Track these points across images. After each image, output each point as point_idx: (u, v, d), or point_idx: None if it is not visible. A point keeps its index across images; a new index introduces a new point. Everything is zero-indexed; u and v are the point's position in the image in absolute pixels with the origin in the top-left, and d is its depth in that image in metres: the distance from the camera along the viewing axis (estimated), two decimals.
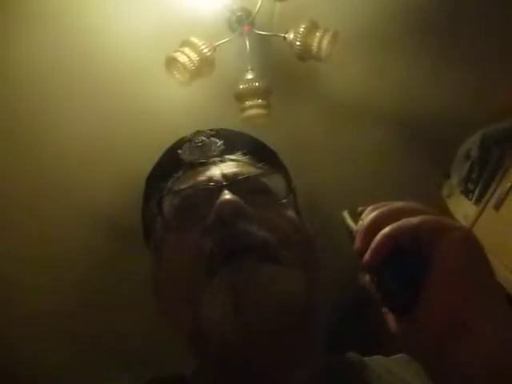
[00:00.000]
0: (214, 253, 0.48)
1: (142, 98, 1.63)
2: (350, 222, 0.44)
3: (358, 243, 0.40)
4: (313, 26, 1.37)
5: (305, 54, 1.40)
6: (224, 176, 0.55)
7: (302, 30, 1.36)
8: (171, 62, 1.35)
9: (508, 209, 1.48)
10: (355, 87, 1.71)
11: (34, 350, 2.07)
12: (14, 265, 1.86)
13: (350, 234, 0.43)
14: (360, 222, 0.42)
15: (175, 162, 0.60)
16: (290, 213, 0.56)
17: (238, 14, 1.43)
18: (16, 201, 1.76)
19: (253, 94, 1.44)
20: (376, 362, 0.56)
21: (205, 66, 1.36)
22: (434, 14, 1.53)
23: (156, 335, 1.45)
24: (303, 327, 0.50)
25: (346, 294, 1.76)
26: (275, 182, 0.58)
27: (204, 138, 0.61)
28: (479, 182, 1.63)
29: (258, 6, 1.38)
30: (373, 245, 0.38)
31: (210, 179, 0.55)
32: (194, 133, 0.63)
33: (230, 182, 0.54)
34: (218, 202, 0.50)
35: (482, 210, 1.58)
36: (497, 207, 1.51)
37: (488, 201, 1.57)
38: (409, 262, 0.38)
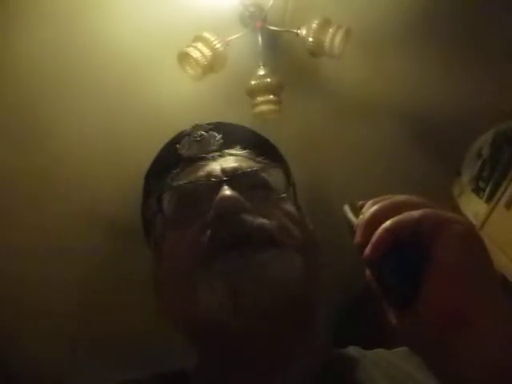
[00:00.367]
0: (211, 244, 0.49)
1: (152, 94, 1.63)
2: (350, 215, 0.44)
3: (358, 237, 0.40)
4: (326, 23, 1.37)
5: (317, 51, 1.39)
6: (223, 171, 0.55)
7: (314, 26, 1.36)
8: (184, 57, 1.36)
9: None
10: (366, 85, 1.70)
11: (33, 350, 2.09)
12: (14, 264, 1.87)
13: (351, 228, 0.43)
14: (361, 216, 0.41)
15: (174, 157, 0.60)
16: (289, 207, 0.56)
17: (251, 9, 1.43)
18: (16, 200, 1.77)
19: (264, 89, 1.44)
20: (378, 355, 0.56)
21: (217, 61, 1.37)
22: (446, 12, 1.52)
23: (156, 335, 1.46)
24: (301, 314, 0.51)
25: (350, 288, 1.76)
26: (275, 177, 0.58)
27: (203, 133, 0.60)
28: (490, 181, 1.62)
29: (271, 1, 1.39)
30: (373, 239, 0.38)
31: (210, 175, 0.55)
32: (193, 127, 0.62)
33: (230, 177, 0.53)
34: (218, 197, 0.50)
35: (493, 208, 1.57)
36: (508, 206, 1.50)
37: (499, 199, 1.56)
38: (410, 255, 0.37)
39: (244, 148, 0.60)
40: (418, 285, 0.37)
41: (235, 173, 0.55)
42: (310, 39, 1.37)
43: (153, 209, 0.58)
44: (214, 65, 1.37)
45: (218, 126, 0.62)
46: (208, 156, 0.58)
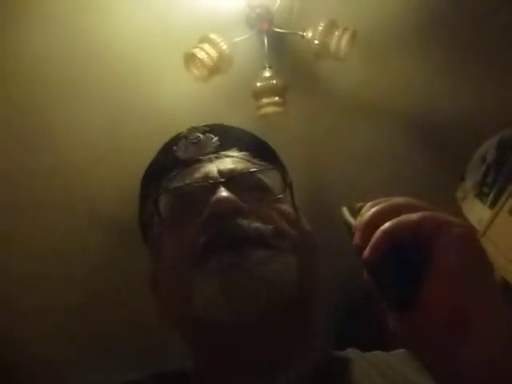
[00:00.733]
0: (206, 244, 0.50)
1: (156, 95, 1.63)
2: (349, 217, 0.44)
3: (357, 239, 0.40)
4: (332, 25, 1.37)
5: (323, 53, 1.40)
6: (220, 173, 0.55)
7: (320, 28, 1.37)
8: (190, 58, 1.37)
9: None
10: (370, 87, 1.70)
11: (33, 350, 2.09)
12: (15, 264, 1.88)
13: (350, 230, 0.43)
14: (359, 218, 0.41)
15: (171, 159, 0.60)
16: (286, 208, 0.56)
17: (257, 11, 1.43)
18: (17, 199, 1.77)
19: (269, 91, 1.44)
20: (377, 357, 0.56)
21: (223, 62, 1.37)
22: (450, 14, 1.52)
23: (156, 335, 1.46)
24: (298, 314, 0.51)
25: (350, 290, 1.75)
26: (271, 178, 0.58)
27: (199, 135, 0.61)
28: (494, 186, 1.62)
29: (277, 3, 1.39)
30: (372, 241, 0.38)
31: (206, 176, 0.55)
32: (189, 129, 0.62)
33: (226, 178, 0.54)
34: (214, 199, 0.50)
35: (497, 214, 1.57)
36: (511, 212, 1.50)
37: (503, 205, 1.55)
38: (409, 258, 0.37)
39: (241, 150, 0.60)
40: (417, 287, 0.37)
41: (232, 174, 0.55)
42: (316, 41, 1.38)
43: (150, 211, 0.58)
44: (219, 66, 1.37)
45: (214, 128, 0.62)
46: (204, 158, 0.58)
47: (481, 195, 1.68)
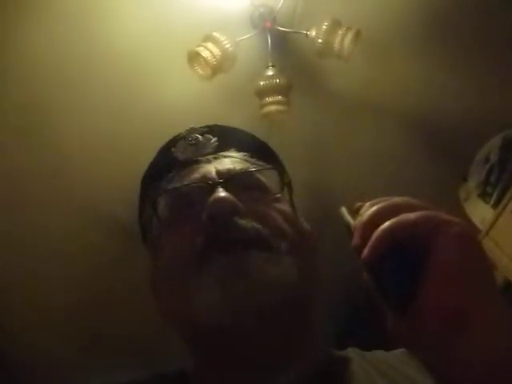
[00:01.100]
0: (205, 245, 0.50)
1: (160, 94, 1.63)
2: (348, 217, 0.44)
3: (356, 239, 0.40)
4: (335, 24, 1.37)
5: (326, 52, 1.40)
6: (218, 173, 0.55)
7: (324, 27, 1.37)
8: (194, 57, 1.37)
9: None
10: (373, 86, 1.70)
11: (34, 350, 2.09)
12: (15, 263, 1.88)
13: (349, 230, 0.43)
14: (358, 218, 0.41)
15: (169, 160, 0.60)
16: (284, 207, 0.56)
17: (261, 10, 1.43)
18: (17, 199, 1.77)
19: (273, 90, 1.44)
20: (377, 356, 0.56)
21: (226, 61, 1.37)
22: (453, 14, 1.52)
23: (156, 335, 1.46)
24: (298, 315, 0.51)
25: (351, 290, 1.76)
26: (269, 178, 0.58)
27: (198, 136, 0.60)
28: (498, 186, 1.61)
29: (281, 2, 1.39)
30: (371, 240, 0.38)
31: (204, 177, 0.55)
32: (188, 130, 0.62)
33: (224, 179, 0.54)
34: (212, 199, 0.50)
35: (500, 213, 1.56)
36: None
37: (506, 205, 1.55)
38: (407, 257, 0.37)
39: (239, 150, 0.60)
40: (416, 286, 0.37)
41: (230, 174, 0.55)
42: (320, 40, 1.37)
43: (149, 212, 0.58)
44: (223, 65, 1.37)
45: (213, 129, 0.62)
46: (203, 159, 0.58)
47: (484, 195, 1.68)
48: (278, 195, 0.57)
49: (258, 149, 0.62)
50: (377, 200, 0.41)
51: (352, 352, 0.57)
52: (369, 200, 0.42)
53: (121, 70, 1.56)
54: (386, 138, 1.83)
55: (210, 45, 1.34)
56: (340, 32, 1.35)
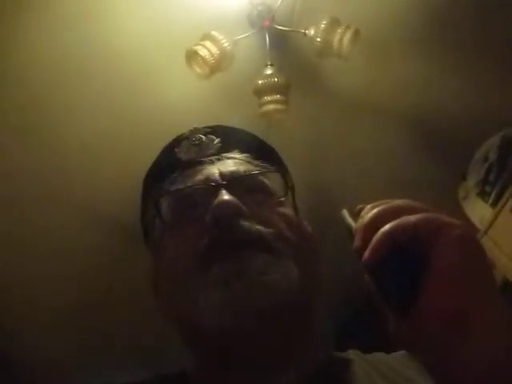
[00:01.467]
0: (209, 248, 0.49)
1: (159, 93, 1.63)
2: (349, 220, 0.44)
3: (357, 241, 0.40)
4: (334, 23, 1.37)
5: (325, 51, 1.39)
6: (221, 175, 0.55)
7: (322, 26, 1.36)
8: (192, 56, 1.37)
9: None
10: (372, 86, 1.70)
11: (34, 350, 2.09)
12: (15, 263, 1.88)
13: (350, 232, 0.43)
14: (360, 220, 0.41)
15: (172, 161, 0.59)
16: (287, 210, 0.56)
17: (259, 8, 1.43)
18: (17, 199, 1.77)
19: (271, 89, 1.44)
20: (377, 358, 0.56)
21: (225, 60, 1.37)
22: (453, 14, 1.52)
23: (156, 335, 1.46)
24: (299, 317, 0.51)
25: (352, 292, 1.76)
26: (273, 180, 0.58)
27: (201, 136, 0.60)
28: (496, 185, 1.61)
29: (279, 1, 1.39)
30: (372, 242, 0.38)
31: (208, 179, 0.55)
32: (191, 130, 0.62)
33: (228, 181, 0.53)
34: (215, 202, 0.50)
35: (499, 212, 1.57)
36: None
37: (505, 203, 1.55)
38: (408, 260, 0.38)
39: (242, 151, 0.59)
40: (417, 288, 0.37)
41: (233, 177, 0.54)
42: (318, 39, 1.37)
43: (151, 212, 0.58)
44: (221, 63, 1.37)
45: (216, 130, 0.61)
46: (206, 160, 0.57)
47: (483, 194, 1.68)
48: (282, 199, 0.57)
49: (261, 150, 0.62)
50: (378, 202, 0.42)
51: (353, 354, 0.58)
52: (369, 202, 0.43)
53: (120, 70, 1.56)
54: (385, 137, 1.83)
55: (208, 43, 1.34)
56: (339, 31, 1.35)
